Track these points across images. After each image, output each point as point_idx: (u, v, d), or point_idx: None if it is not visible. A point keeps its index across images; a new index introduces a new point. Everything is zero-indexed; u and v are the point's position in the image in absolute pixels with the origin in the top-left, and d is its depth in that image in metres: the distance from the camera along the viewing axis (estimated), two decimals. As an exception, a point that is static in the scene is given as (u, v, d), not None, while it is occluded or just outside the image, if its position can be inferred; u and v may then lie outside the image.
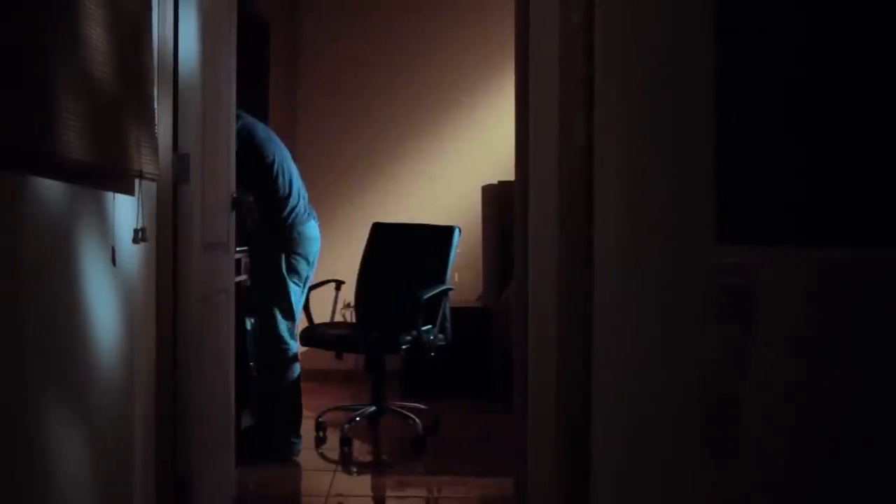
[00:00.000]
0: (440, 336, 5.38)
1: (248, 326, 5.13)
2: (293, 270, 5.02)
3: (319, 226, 5.21)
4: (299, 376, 5.10)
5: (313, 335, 5.43)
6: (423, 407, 5.53)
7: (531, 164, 3.16)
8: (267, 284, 4.97)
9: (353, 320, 6.15)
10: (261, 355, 5.03)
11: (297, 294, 5.06)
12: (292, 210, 4.99)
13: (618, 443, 2.08)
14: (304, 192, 5.12)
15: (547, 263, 3.09)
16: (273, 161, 4.96)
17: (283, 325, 4.99)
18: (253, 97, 5.58)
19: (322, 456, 5.17)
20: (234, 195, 4.06)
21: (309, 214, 5.08)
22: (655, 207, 1.63)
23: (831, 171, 1.26)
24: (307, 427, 5.50)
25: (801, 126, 1.33)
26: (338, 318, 6.15)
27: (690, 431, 1.45)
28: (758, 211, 1.27)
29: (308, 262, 5.07)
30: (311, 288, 5.51)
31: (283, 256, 4.99)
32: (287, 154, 5.14)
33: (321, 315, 5.77)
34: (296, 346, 5.07)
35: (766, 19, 1.36)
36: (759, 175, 1.28)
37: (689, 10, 1.50)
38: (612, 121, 2.25)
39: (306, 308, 5.46)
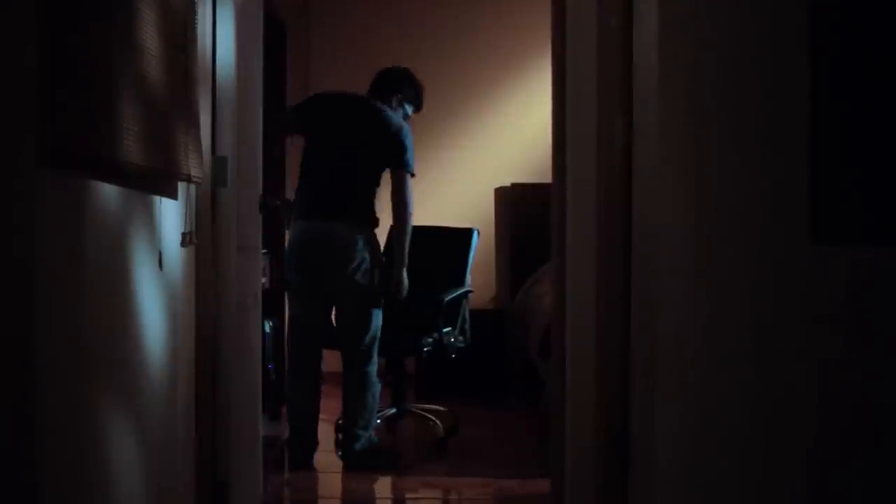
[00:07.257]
0: (460, 338, 5.39)
1: (267, 329, 5.12)
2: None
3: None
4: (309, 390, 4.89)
5: (332, 337, 5.41)
6: (441, 409, 5.52)
7: (569, 165, 3.18)
8: None
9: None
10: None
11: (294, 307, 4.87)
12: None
13: (676, 442, 2.10)
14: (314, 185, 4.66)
15: (585, 263, 3.11)
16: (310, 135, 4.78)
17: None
18: (270, 98, 5.57)
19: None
20: (262, 197, 4.07)
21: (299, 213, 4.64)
22: (735, 209, 1.64)
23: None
24: (326, 430, 5.49)
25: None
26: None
27: (791, 435, 1.46)
28: (859, 212, 1.27)
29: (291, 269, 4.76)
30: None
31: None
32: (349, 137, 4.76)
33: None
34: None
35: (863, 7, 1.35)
36: (860, 175, 1.28)
37: (777, 8, 1.50)
38: (664, 122, 2.26)
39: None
